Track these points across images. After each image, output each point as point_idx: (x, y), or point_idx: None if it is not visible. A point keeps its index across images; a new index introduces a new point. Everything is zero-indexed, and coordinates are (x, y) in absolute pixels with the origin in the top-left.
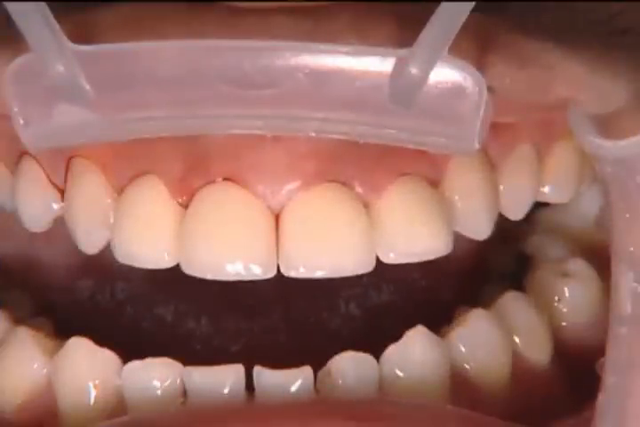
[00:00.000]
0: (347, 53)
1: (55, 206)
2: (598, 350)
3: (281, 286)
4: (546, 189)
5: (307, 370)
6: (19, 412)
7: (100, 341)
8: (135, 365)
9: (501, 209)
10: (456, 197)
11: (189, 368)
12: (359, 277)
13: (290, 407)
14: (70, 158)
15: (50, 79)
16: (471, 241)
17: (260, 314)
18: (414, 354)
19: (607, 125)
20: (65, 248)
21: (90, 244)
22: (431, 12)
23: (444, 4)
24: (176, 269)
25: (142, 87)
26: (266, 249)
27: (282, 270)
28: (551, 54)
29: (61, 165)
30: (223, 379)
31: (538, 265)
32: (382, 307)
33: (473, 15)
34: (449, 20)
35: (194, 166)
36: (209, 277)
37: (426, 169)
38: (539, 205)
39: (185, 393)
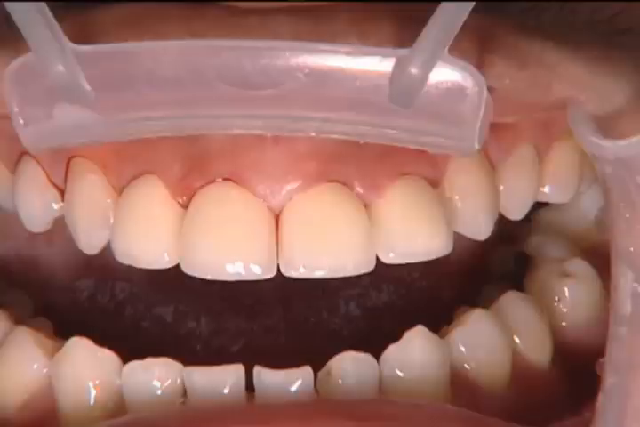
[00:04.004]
0: (347, 53)
1: (55, 206)
2: (598, 350)
3: (281, 286)
4: (546, 189)
5: (307, 370)
6: (19, 412)
7: (100, 341)
8: (135, 365)
9: (501, 209)
10: (456, 197)
11: (189, 368)
12: (359, 278)
13: (290, 407)
14: (70, 158)
15: (50, 79)
16: (471, 241)
17: (260, 314)
18: (414, 354)
19: (607, 125)
20: (65, 248)
21: (90, 244)
22: (431, 12)
23: (443, 4)
24: (176, 269)
25: (142, 87)
26: (266, 249)
27: (282, 270)
28: (551, 54)
29: (61, 165)
30: (223, 379)
31: (538, 265)
32: (382, 307)
33: (473, 15)
34: (449, 20)
35: (194, 166)
36: (209, 277)
37: (426, 169)
38: (539, 205)
39: (185, 393)
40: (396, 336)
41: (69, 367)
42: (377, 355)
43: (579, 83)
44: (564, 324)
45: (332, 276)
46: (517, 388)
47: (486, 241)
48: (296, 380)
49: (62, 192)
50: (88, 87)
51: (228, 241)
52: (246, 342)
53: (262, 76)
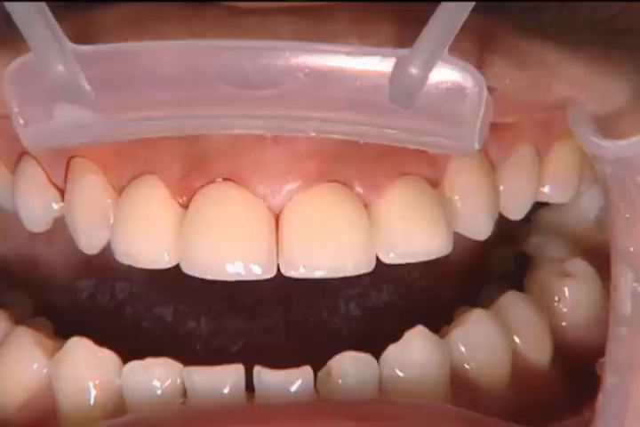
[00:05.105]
0: (347, 53)
1: (55, 206)
2: (598, 350)
3: (281, 286)
4: (546, 189)
5: (307, 370)
6: (19, 412)
7: (100, 341)
8: (135, 365)
9: (501, 209)
10: (456, 197)
11: (189, 368)
12: (359, 278)
13: (290, 407)
14: (70, 158)
15: (50, 79)
16: (471, 241)
17: (260, 314)
18: (414, 354)
19: (607, 125)
20: (65, 248)
21: (90, 244)
22: (431, 12)
23: (443, 4)
24: (176, 269)
25: (142, 87)
26: (266, 249)
27: (282, 270)
28: (551, 54)
29: (61, 165)
30: (223, 379)
31: (538, 265)
32: (382, 307)
33: (473, 15)
34: (449, 20)
35: (194, 166)
36: (209, 277)
37: (426, 169)
38: (539, 205)
39: (185, 393)
40: (395, 336)
41: (69, 367)
42: (377, 355)
43: (579, 83)
44: (563, 324)
45: (332, 276)
46: (517, 388)
47: (486, 241)
48: (296, 380)
49: (62, 192)
50: (88, 87)
51: (228, 241)
52: (246, 342)
53: (262, 76)
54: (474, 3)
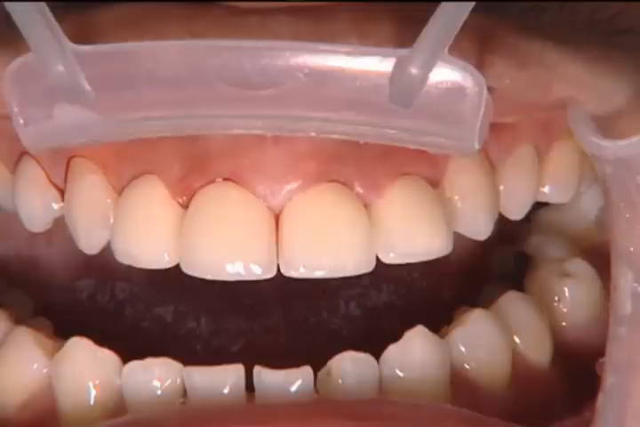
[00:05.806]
0: (347, 53)
1: (55, 206)
2: (598, 350)
3: (281, 286)
4: (546, 189)
5: (307, 370)
6: (19, 412)
7: (100, 341)
8: (135, 365)
9: (501, 209)
10: (456, 197)
11: (189, 368)
12: (359, 278)
13: (290, 407)
14: (70, 158)
15: (50, 79)
16: (471, 241)
17: (260, 314)
18: (414, 354)
19: (607, 125)
20: (65, 248)
21: (90, 244)
22: (431, 12)
23: (443, 4)
24: (176, 269)
25: (142, 87)
26: (266, 249)
27: (282, 270)
28: (551, 54)
29: (61, 165)
30: (223, 379)
31: (538, 265)
32: (382, 307)
33: (473, 15)
34: (449, 20)
35: (194, 166)
36: (209, 277)
37: (426, 169)
38: (539, 205)
39: (185, 393)
40: (395, 336)
41: (69, 367)
42: (377, 355)
43: (579, 83)
44: (564, 324)
45: (332, 276)
46: (517, 388)
47: (486, 241)
48: (296, 380)
49: (62, 192)
50: (88, 87)
51: (228, 241)
52: (246, 342)
53: (262, 76)
54: (474, 3)
